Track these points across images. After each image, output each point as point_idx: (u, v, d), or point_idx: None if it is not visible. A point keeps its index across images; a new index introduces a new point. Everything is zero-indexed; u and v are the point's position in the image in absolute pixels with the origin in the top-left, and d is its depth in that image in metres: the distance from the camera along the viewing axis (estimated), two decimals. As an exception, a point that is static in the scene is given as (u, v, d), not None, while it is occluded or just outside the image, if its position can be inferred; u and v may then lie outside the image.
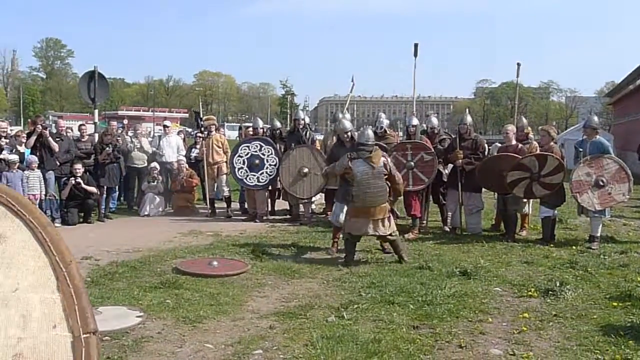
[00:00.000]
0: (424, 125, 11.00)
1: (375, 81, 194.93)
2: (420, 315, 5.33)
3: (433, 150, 9.54)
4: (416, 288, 6.16)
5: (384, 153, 7.56)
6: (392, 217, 7.47)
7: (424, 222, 9.99)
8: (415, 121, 10.27)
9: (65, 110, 76.65)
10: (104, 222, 11.14)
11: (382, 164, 7.26)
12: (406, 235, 9.20)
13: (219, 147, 11.89)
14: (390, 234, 7.39)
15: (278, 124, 12.25)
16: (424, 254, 8.02)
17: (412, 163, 9.49)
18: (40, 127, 10.69)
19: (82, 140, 11.83)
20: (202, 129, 12.56)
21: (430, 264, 7.22)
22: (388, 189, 7.37)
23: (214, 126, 12.25)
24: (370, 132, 7.58)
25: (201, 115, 13.45)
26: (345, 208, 7.85)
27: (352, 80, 13.19)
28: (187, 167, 12.53)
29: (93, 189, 10.89)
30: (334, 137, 10.59)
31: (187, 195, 12.28)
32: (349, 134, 9.63)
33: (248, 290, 6.22)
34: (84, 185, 10.76)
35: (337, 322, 5.15)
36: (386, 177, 7.32)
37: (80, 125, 12.50)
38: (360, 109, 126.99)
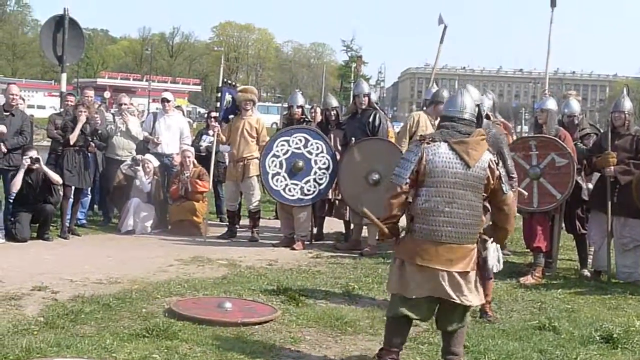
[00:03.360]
0: (563, 111, 10.76)
1: (489, 49, 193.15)
2: (535, 398, 5.35)
3: (569, 151, 9.45)
4: (531, 358, 6.17)
5: (490, 148, 6.04)
6: (477, 277, 5.89)
7: (551, 260, 9.93)
8: (551, 104, 9.96)
9: (20, 75, 78.83)
10: (68, 239, 11.43)
11: (486, 165, 5.81)
12: (522, 279, 9.19)
13: (252, 135, 11.86)
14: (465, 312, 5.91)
15: (334, 102, 12.46)
16: (547, 308, 8.01)
17: (539, 169, 9.45)
18: None
19: (66, 117, 11.87)
20: (227, 106, 12.33)
21: (556, 323, 7.21)
22: (483, 216, 5.99)
23: (251, 102, 12.16)
24: (468, 98, 6.06)
25: (231, 82, 13.48)
26: None
27: (442, 21, 12.80)
28: (195, 162, 12.74)
29: (57, 178, 11.04)
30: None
31: (192, 205, 12.46)
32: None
33: (275, 348, 6.31)
34: (45, 169, 10.90)
35: (407, 401, 5.21)
36: (486, 194, 5.89)
37: (67, 95, 12.71)
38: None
